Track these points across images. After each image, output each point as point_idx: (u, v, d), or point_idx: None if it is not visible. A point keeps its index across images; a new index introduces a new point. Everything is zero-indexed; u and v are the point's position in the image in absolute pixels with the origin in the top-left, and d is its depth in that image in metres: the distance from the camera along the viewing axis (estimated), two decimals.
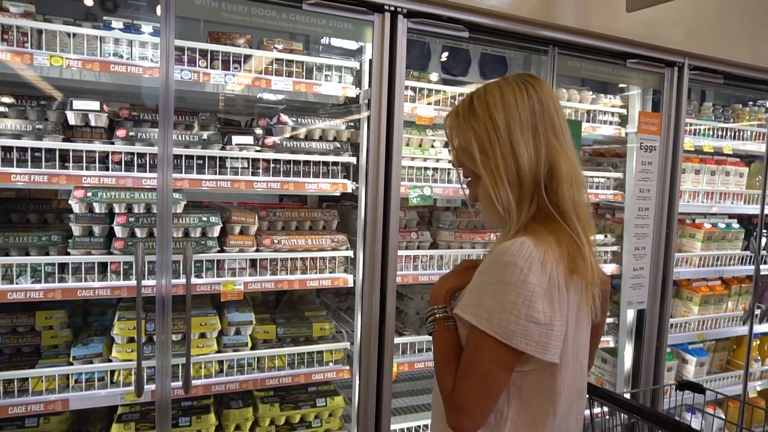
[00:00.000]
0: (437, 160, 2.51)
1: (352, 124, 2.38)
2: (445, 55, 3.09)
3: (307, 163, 2.25)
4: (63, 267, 1.98)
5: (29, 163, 1.90)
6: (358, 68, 2.28)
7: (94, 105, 1.99)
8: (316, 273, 2.28)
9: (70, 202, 2.00)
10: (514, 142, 1.11)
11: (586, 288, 1.12)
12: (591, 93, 2.87)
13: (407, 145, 2.49)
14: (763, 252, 3.27)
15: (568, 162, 1.13)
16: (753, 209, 3.30)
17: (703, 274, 3.22)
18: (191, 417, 2.18)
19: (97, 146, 1.99)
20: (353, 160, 2.30)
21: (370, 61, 2.14)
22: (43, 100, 2.07)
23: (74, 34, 1.88)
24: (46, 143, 1.92)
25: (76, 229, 2.01)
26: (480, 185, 1.17)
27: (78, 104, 1.98)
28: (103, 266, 2.01)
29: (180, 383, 2.01)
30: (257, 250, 2.23)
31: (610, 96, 2.94)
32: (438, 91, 2.43)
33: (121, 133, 2.01)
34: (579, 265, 1.09)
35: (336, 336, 2.47)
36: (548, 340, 1.05)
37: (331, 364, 2.34)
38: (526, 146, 1.11)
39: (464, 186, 1.27)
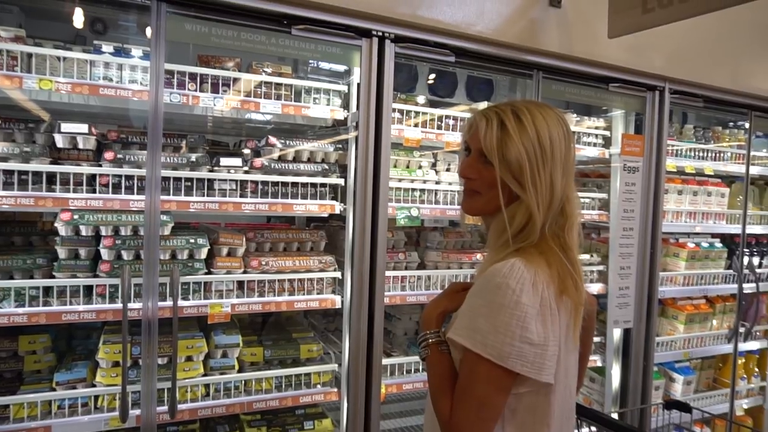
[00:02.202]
0: (424, 181, 2.53)
1: (340, 145, 2.41)
2: (432, 77, 3.15)
3: (295, 184, 2.27)
4: (48, 290, 1.95)
5: (15, 186, 1.89)
6: (347, 91, 2.32)
7: (83, 128, 2.00)
8: (303, 294, 2.28)
9: (56, 224, 1.99)
10: (554, 171, 1.14)
11: (575, 309, 1.14)
12: (575, 116, 2.92)
13: (395, 166, 2.52)
14: (746, 271, 3.32)
15: (576, 201, 1.19)
16: (735, 229, 3.36)
17: (688, 293, 3.26)
18: None
19: (85, 168, 1.99)
20: (341, 181, 2.32)
21: (358, 84, 2.17)
22: (31, 122, 2.07)
23: (64, 58, 1.89)
24: (33, 166, 1.91)
25: (61, 252, 2.00)
26: (486, 199, 1.18)
27: (66, 127, 1.98)
28: (89, 289, 1.99)
29: (166, 408, 1.98)
30: (245, 272, 2.23)
31: (593, 118, 3.00)
32: (425, 113, 2.47)
33: (109, 155, 2.01)
34: (569, 286, 1.11)
35: (324, 358, 2.46)
36: (543, 361, 1.06)
37: (318, 386, 2.33)
38: (561, 178, 1.15)
39: (464, 194, 1.25)
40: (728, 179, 3.56)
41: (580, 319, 1.15)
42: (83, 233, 2.01)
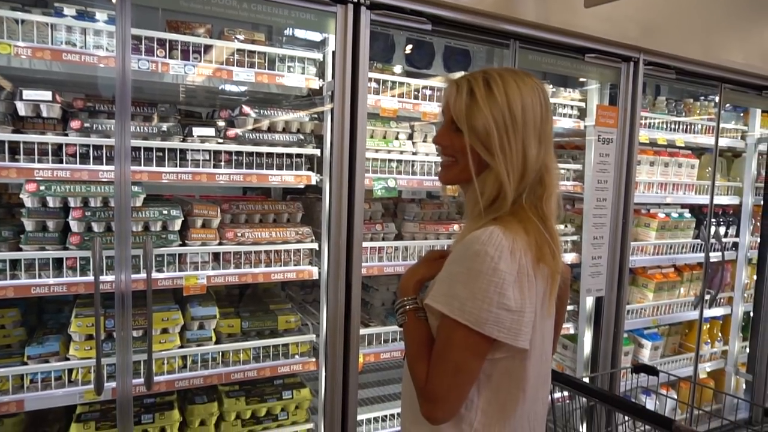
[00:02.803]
0: (401, 152, 2.52)
1: (316, 115, 2.37)
2: (409, 47, 3.10)
3: (270, 155, 2.23)
4: (15, 263, 1.90)
5: None
6: (322, 60, 2.27)
7: (46, 95, 1.92)
8: (280, 266, 2.27)
9: (21, 195, 1.93)
10: (527, 142, 1.13)
11: (552, 277, 1.15)
12: (552, 87, 2.93)
13: (371, 137, 2.49)
14: (713, 240, 3.43)
15: (555, 174, 1.19)
16: (703, 199, 3.45)
17: (658, 262, 3.35)
18: (154, 414, 2.14)
19: (50, 138, 1.92)
20: (317, 151, 2.29)
21: (334, 52, 2.13)
22: None
23: (23, 21, 1.80)
24: None
25: (28, 224, 1.94)
26: (460, 168, 1.18)
27: (28, 94, 1.90)
28: (59, 262, 1.94)
29: (142, 380, 1.97)
30: (220, 244, 2.20)
31: (569, 90, 3.01)
32: (402, 84, 2.44)
33: (75, 124, 1.94)
34: (546, 254, 1.12)
35: (302, 329, 2.47)
36: (520, 327, 1.08)
37: (297, 356, 2.34)
38: (535, 148, 1.14)
39: (442, 165, 1.25)
40: (698, 151, 3.64)
41: (556, 287, 1.17)
42: (51, 205, 1.95)
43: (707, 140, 3.45)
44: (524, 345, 1.09)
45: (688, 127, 3.41)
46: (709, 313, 3.59)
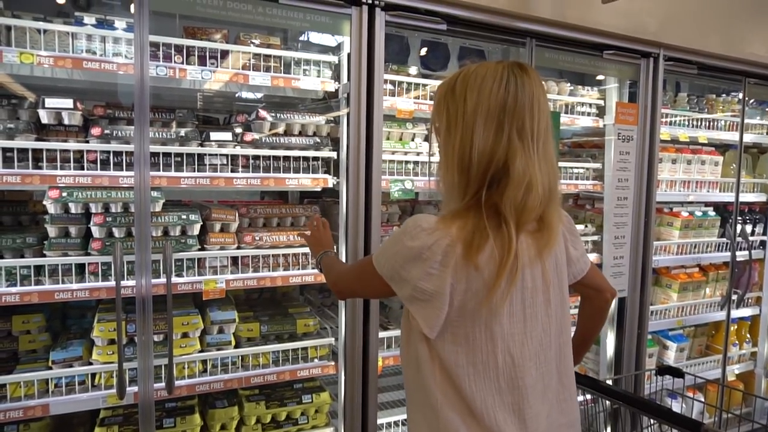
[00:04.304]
0: (418, 154, 2.51)
1: (332, 118, 2.37)
2: (424, 50, 3.09)
3: (287, 158, 2.24)
4: (39, 269, 1.93)
5: (1, 164, 1.85)
6: (337, 62, 2.27)
7: (68, 103, 1.95)
8: (299, 269, 2.27)
9: (44, 202, 1.96)
10: (475, 131, 1.09)
11: (497, 276, 1.09)
12: (569, 85, 2.89)
13: (387, 138, 2.49)
14: (739, 239, 3.34)
15: (526, 164, 1.08)
16: (728, 197, 3.36)
17: (682, 262, 3.28)
18: (175, 418, 2.15)
19: (72, 145, 1.95)
20: (333, 154, 2.29)
21: (349, 55, 2.13)
22: (15, 98, 2.02)
23: (45, 31, 1.84)
24: (18, 143, 1.87)
25: (51, 231, 1.97)
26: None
27: (51, 102, 1.93)
28: (81, 267, 1.97)
29: (163, 384, 1.98)
30: (238, 248, 2.21)
31: (587, 87, 2.97)
32: (417, 85, 2.43)
33: (96, 131, 1.97)
34: (477, 250, 1.07)
35: (320, 332, 2.46)
36: (403, 289, 1.16)
37: (316, 360, 2.34)
38: (485, 138, 1.09)
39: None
40: (722, 147, 3.56)
41: (498, 288, 1.09)
42: (73, 211, 1.98)
43: (731, 136, 3.37)
44: (401, 294, 1.17)
45: (711, 123, 3.33)
46: (736, 313, 3.49)
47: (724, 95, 3.56)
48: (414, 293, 1.13)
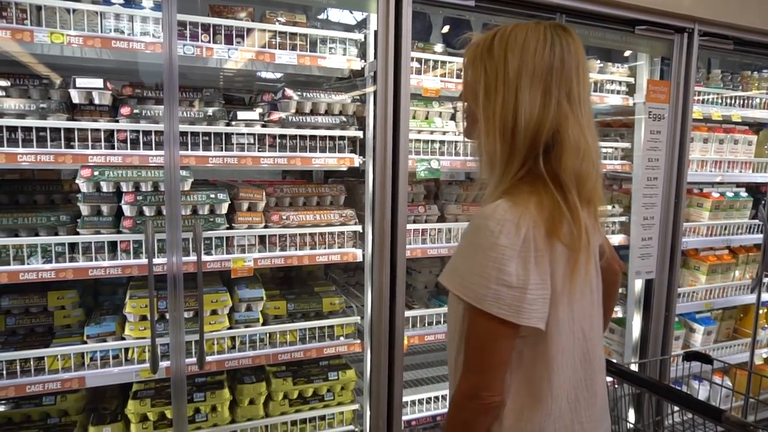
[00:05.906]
0: (444, 133, 2.48)
1: (358, 97, 2.35)
2: (446, 27, 3.03)
3: (313, 137, 2.23)
4: (73, 247, 1.98)
5: (34, 143, 1.88)
6: (363, 40, 2.24)
7: (98, 82, 1.96)
8: (325, 248, 2.28)
9: (77, 181, 1.99)
10: (519, 94, 1.02)
11: (573, 254, 1.06)
12: (599, 62, 2.82)
13: (413, 117, 2.46)
14: None
15: (579, 132, 1.04)
16: (762, 177, 3.27)
17: (711, 244, 3.21)
18: (206, 392, 2.20)
19: (103, 124, 1.97)
20: (360, 133, 2.28)
21: (375, 32, 2.10)
22: (46, 79, 2.04)
23: (74, 10, 1.84)
24: (50, 122, 1.90)
25: (84, 209, 2.00)
26: (476, 127, 1.13)
27: (81, 81, 1.95)
28: (113, 245, 2.01)
29: (194, 359, 2.03)
30: (266, 227, 2.23)
31: (617, 65, 2.89)
32: (444, 63, 2.39)
33: (125, 110, 1.99)
34: (559, 228, 1.03)
35: (346, 311, 2.48)
36: (521, 304, 1.00)
37: (342, 338, 2.36)
38: (531, 102, 1.02)
39: (464, 121, 1.21)
40: (756, 126, 3.44)
41: (579, 265, 1.06)
42: (104, 189, 2.01)
43: (766, 115, 3.26)
44: (530, 323, 1.02)
45: (745, 101, 3.23)
46: (767, 296, 3.42)
47: (758, 72, 3.43)
48: (515, 292, 1.01)
